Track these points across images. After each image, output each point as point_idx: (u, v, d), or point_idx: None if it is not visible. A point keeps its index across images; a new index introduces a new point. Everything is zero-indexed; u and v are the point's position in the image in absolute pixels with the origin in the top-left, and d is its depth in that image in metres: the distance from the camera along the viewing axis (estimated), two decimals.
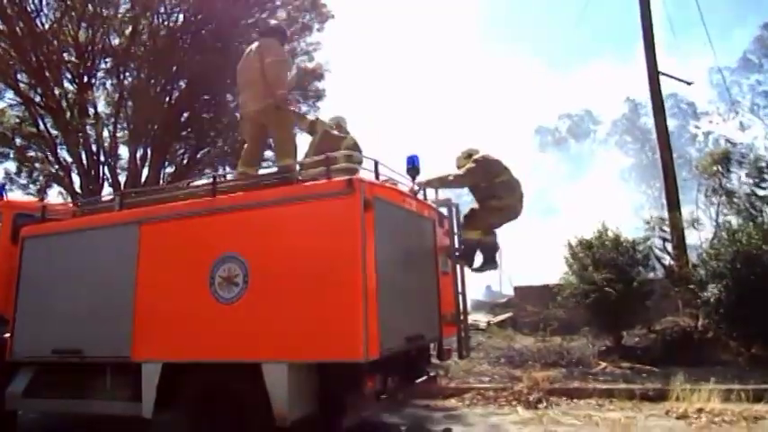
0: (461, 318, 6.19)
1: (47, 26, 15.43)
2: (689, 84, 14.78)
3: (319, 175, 4.86)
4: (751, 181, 10.61)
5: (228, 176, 8.09)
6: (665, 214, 11.74)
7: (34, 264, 6.06)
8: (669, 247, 11.03)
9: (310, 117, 7.44)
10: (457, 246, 6.44)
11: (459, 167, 6.70)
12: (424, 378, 5.84)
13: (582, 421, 6.06)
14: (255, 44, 5.98)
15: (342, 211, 4.46)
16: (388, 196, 5.03)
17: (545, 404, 6.86)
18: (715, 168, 11.01)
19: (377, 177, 5.10)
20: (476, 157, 6.61)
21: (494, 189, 6.46)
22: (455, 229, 6.41)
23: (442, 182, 6.39)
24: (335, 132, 6.50)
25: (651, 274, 10.71)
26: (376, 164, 5.12)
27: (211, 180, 5.32)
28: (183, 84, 16.99)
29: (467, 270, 6.47)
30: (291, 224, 4.64)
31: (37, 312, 5.88)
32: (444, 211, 6.41)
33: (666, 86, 12.51)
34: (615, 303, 9.68)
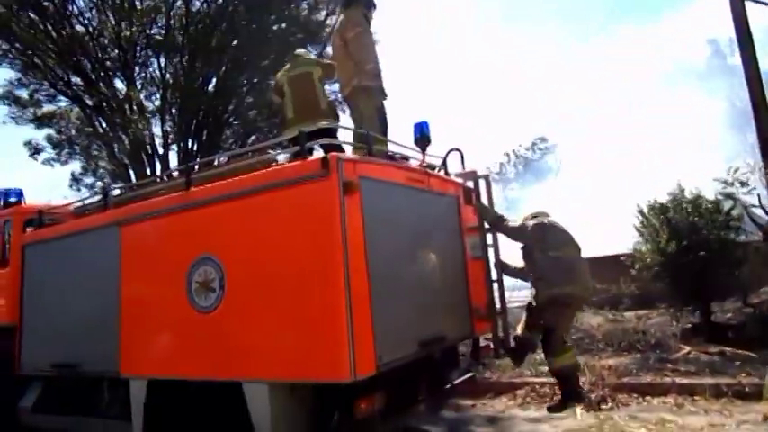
0: (498, 310, 5.20)
1: (88, 27, 15.57)
2: None
3: None
4: None
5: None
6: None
7: (33, 272, 5.77)
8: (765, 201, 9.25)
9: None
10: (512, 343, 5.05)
11: None
12: (449, 386, 4.95)
13: (653, 429, 4.97)
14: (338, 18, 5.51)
15: (317, 197, 3.64)
16: (383, 174, 4.14)
17: (610, 404, 5.79)
18: None
19: (369, 153, 4.20)
20: (536, 221, 5.03)
21: (543, 265, 4.82)
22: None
23: (493, 218, 5.17)
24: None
25: (743, 237, 9.07)
26: (367, 136, 4.22)
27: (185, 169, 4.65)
28: (222, 71, 16.67)
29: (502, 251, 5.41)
30: (264, 217, 3.89)
31: (38, 324, 5.59)
32: (472, 185, 5.40)
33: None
34: (700, 273, 8.25)
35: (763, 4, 9.89)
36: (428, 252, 4.59)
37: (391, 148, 4.92)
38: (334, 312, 3.45)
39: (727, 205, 8.83)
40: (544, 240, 4.84)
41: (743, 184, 8.69)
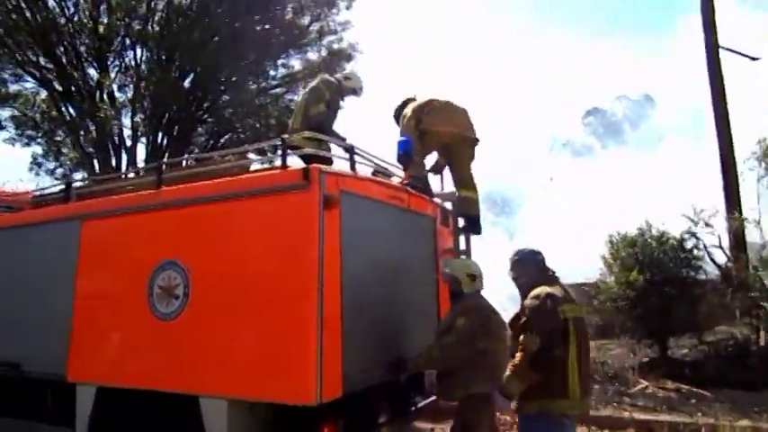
0: None
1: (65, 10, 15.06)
2: (754, 59, 12.99)
3: None
4: None
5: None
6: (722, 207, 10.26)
7: None
8: (725, 243, 9.53)
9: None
10: None
11: None
12: (413, 409, 4.84)
13: None
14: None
15: (295, 209, 3.51)
16: (365, 190, 4.04)
17: None
18: None
19: (352, 167, 4.11)
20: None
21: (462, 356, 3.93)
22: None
23: None
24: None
25: (702, 276, 9.32)
26: (351, 150, 4.13)
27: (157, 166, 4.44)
28: (200, 68, 16.31)
29: None
30: (237, 225, 3.73)
31: None
32: (450, 206, 5.36)
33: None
34: (660, 308, 8.43)
35: (740, 54, 10.23)
36: (402, 272, 4.49)
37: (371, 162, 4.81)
38: (304, 332, 3.31)
39: (690, 243, 9.07)
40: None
41: (707, 224, 8.92)
